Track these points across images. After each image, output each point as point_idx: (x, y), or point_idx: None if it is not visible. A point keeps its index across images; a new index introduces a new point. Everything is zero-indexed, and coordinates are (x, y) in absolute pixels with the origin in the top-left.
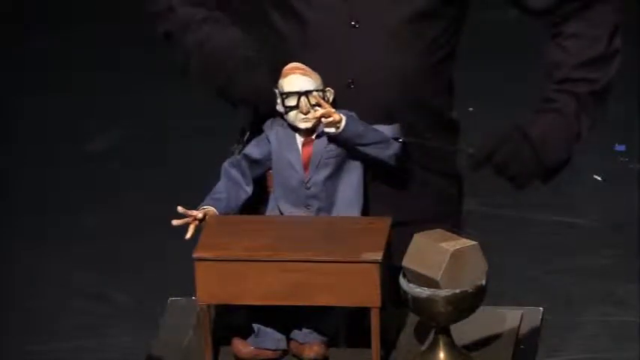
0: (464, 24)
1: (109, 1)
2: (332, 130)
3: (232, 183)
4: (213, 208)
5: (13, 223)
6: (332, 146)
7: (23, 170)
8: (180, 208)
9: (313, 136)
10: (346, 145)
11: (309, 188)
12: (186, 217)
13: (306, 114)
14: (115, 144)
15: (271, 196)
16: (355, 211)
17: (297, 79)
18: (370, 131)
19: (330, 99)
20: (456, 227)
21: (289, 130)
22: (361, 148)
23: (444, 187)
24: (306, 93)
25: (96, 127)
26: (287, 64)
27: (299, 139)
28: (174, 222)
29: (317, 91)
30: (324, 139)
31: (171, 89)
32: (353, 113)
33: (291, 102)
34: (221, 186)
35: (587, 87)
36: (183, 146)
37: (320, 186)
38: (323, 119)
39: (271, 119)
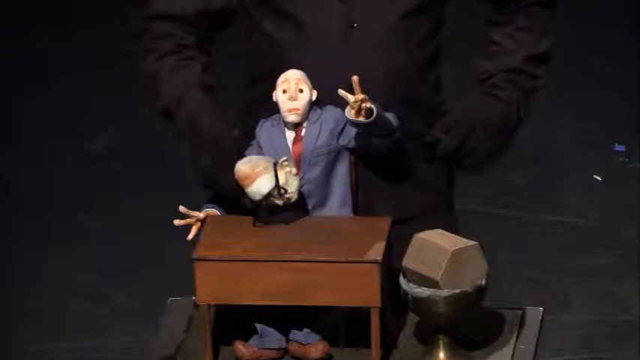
0: (444, 20)
1: (109, 1)
2: (363, 119)
3: None
4: (216, 210)
5: (13, 223)
6: (322, 143)
7: (23, 170)
8: (182, 208)
9: (302, 133)
10: (362, 137)
11: (301, 186)
12: (189, 217)
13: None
14: (115, 144)
15: None
16: (348, 208)
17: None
18: (389, 120)
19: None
20: (452, 224)
21: (279, 129)
22: (374, 139)
23: (439, 181)
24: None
25: (96, 127)
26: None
27: (289, 138)
28: (176, 222)
29: None
30: (313, 136)
31: None
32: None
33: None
34: None
35: (530, 83)
36: (183, 146)
37: (313, 184)
38: (357, 105)
39: (262, 120)
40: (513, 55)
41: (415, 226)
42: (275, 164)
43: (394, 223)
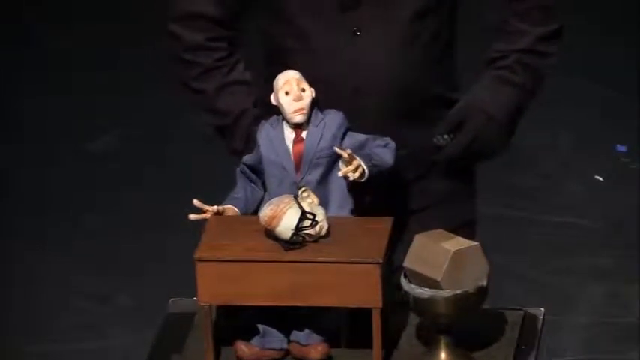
0: (457, 10)
1: (109, 1)
2: (356, 176)
3: (247, 184)
4: (234, 208)
5: (13, 223)
6: (323, 146)
7: (23, 170)
8: (196, 202)
9: (303, 135)
10: None
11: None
12: (203, 211)
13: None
14: (115, 144)
15: (265, 198)
16: (347, 209)
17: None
18: (384, 166)
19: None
20: (473, 221)
21: (279, 131)
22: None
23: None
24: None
25: (96, 127)
26: None
27: (289, 139)
28: (192, 216)
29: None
30: (315, 138)
31: (171, 89)
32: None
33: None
34: (238, 187)
35: (543, 61)
36: (183, 146)
37: (312, 185)
38: (352, 173)
39: (263, 121)
40: (526, 36)
41: (435, 214)
42: (295, 197)
43: (416, 211)
